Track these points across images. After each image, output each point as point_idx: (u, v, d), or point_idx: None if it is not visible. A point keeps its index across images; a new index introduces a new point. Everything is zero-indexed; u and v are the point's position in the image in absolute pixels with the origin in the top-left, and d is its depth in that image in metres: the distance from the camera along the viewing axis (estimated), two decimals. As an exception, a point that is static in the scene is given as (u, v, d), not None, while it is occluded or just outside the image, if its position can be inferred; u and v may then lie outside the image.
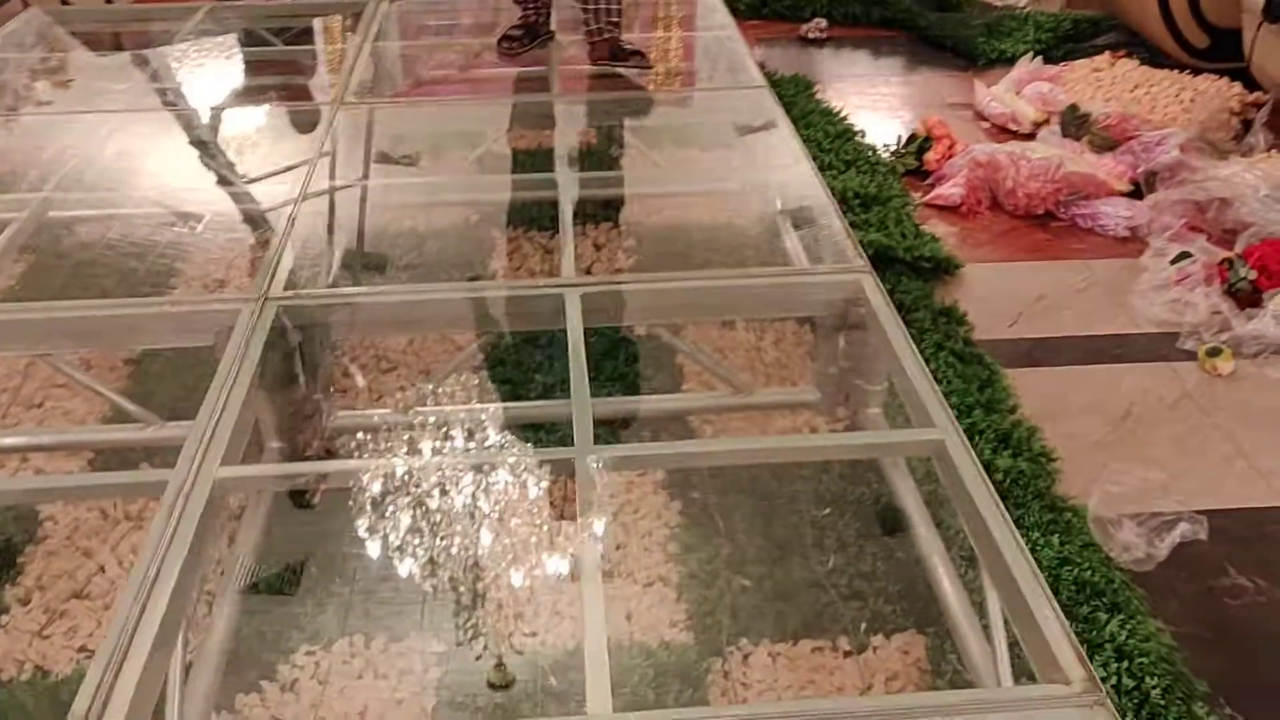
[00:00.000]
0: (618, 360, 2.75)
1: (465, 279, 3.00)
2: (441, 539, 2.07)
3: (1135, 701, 1.94)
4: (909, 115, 4.48)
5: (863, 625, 2.07)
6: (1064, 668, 1.47)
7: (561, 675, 1.96)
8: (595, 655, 1.50)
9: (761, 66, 4.60)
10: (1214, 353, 2.88)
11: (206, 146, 3.49)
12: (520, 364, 2.68)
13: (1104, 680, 1.95)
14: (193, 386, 2.47)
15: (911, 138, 4.03)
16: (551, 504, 1.98)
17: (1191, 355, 2.92)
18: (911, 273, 3.23)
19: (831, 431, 2.51)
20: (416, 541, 2.21)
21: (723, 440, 2.45)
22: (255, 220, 3.17)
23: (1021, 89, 4.40)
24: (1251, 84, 4.09)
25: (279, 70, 4.11)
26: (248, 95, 3.94)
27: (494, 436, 2.14)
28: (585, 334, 2.80)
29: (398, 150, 3.47)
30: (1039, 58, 4.71)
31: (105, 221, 3.23)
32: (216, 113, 3.69)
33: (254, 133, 3.60)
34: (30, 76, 3.94)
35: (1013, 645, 1.64)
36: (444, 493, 1.99)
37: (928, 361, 2.75)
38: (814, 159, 3.82)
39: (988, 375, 2.78)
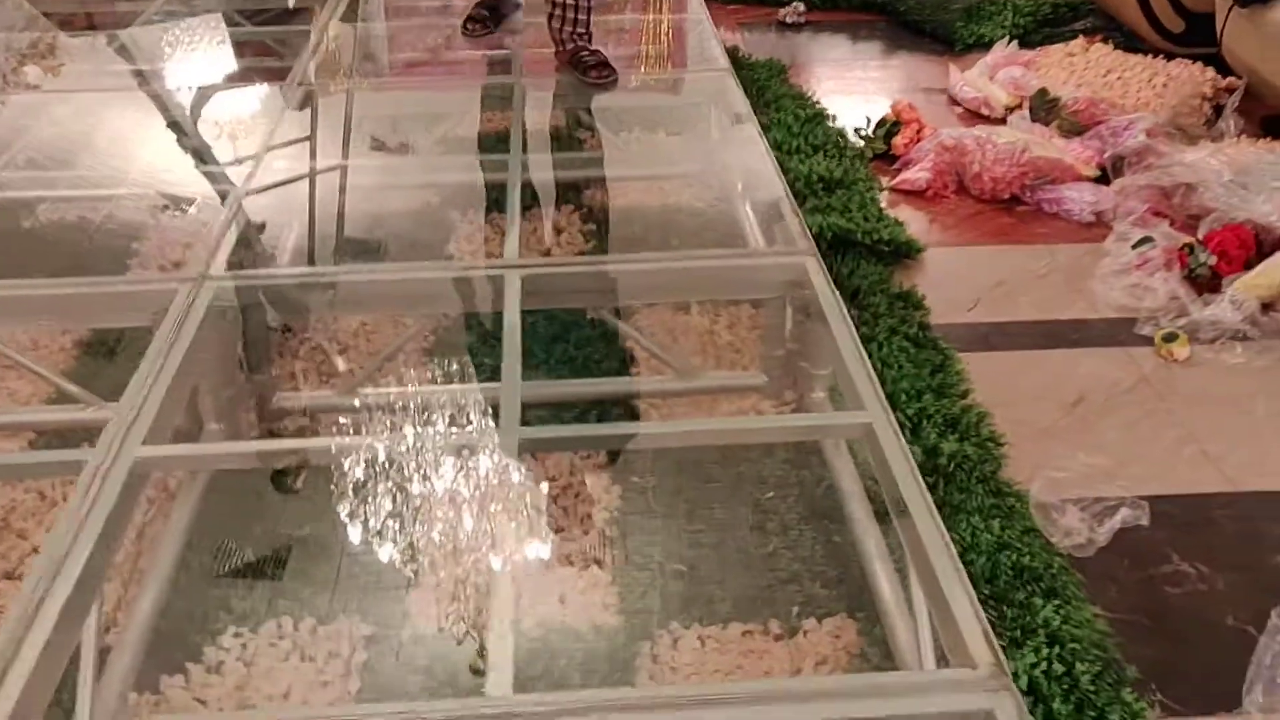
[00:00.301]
0: (568, 344, 2.73)
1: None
2: (372, 523, 2.06)
3: (1065, 687, 1.92)
4: (884, 100, 4.45)
5: (795, 609, 2.06)
6: (972, 652, 1.46)
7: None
8: (500, 637, 1.49)
9: (735, 51, 4.61)
10: (1170, 338, 2.86)
11: (169, 127, 3.48)
12: (464, 347, 2.67)
13: (1034, 666, 1.95)
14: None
15: (881, 122, 4.01)
16: (479, 487, 1.97)
17: (1149, 341, 2.91)
18: (871, 257, 3.21)
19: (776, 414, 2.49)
20: (349, 524, 2.20)
21: (646, 424, 2.42)
22: (211, 202, 3.15)
23: (995, 74, 4.38)
24: (1224, 69, 4.06)
25: (246, 51, 4.09)
26: (212, 76, 3.92)
27: (429, 419, 2.12)
28: (538, 317, 2.81)
29: (359, 132, 3.45)
30: (1015, 42, 4.68)
31: (62, 202, 3.22)
32: (179, 93, 3.67)
33: (217, 114, 3.58)
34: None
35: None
36: (375, 476, 1.98)
37: (880, 346, 2.76)
38: (782, 143, 3.84)
39: (941, 360, 2.76)
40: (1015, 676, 1.91)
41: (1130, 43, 4.51)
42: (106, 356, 2.78)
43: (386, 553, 2.11)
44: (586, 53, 3.50)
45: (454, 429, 2.03)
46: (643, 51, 3.95)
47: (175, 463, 2.05)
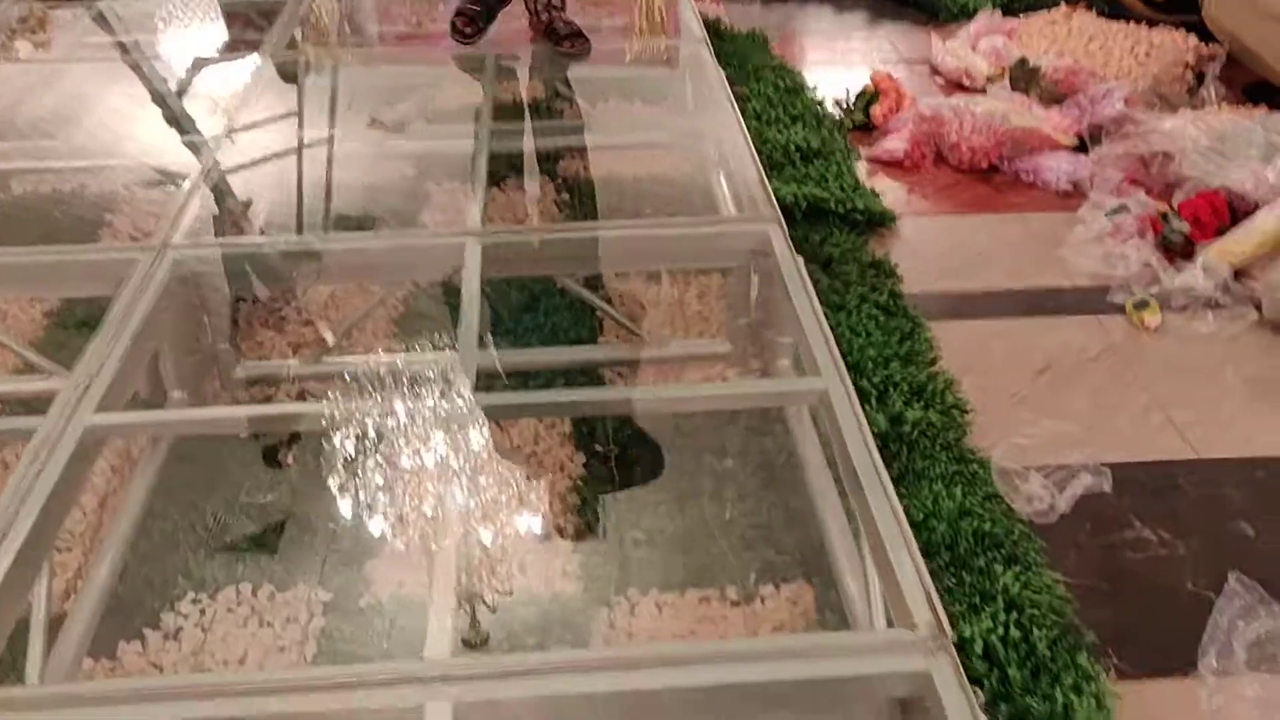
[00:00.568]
0: (536, 312, 2.73)
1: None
2: (330, 490, 2.06)
3: (1021, 653, 1.93)
4: (867, 70, 4.42)
5: (753, 575, 2.07)
6: (914, 615, 1.46)
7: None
8: (441, 602, 1.50)
9: (717, 23, 4.59)
10: (1141, 306, 2.85)
11: (148, 97, 3.47)
12: (429, 315, 2.66)
13: (990, 631, 1.95)
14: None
15: (861, 93, 3.99)
16: (436, 454, 1.96)
17: (1120, 309, 2.90)
18: (845, 226, 3.20)
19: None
20: (308, 492, 2.21)
21: (600, 389, 2.41)
22: (183, 172, 3.14)
23: (976, 43, 4.35)
24: (1206, 36, 4.04)
25: (226, 22, 4.06)
26: (192, 47, 3.89)
27: (388, 387, 2.12)
28: (508, 286, 2.80)
29: (334, 102, 3.44)
30: (998, 10, 4.65)
31: (32, 174, 3.21)
32: (157, 64, 3.65)
33: (193, 84, 3.56)
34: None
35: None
36: (333, 445, 1.98)
37: (850, 314, 2.76)
38: (761, 114, 3.82)
39: (910, 328, 2.75)
40: (971, 641, 1.93)
41: (1113, 10, 4.48)
42: (76, 327, 2.77)
43: (345, 520, 2.11)
44: (560, 23, 3.48)
45: (412, 397, 2.02)
46: (619, 22, 3.92)
47: (128, 430, 2.05)
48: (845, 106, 3.98)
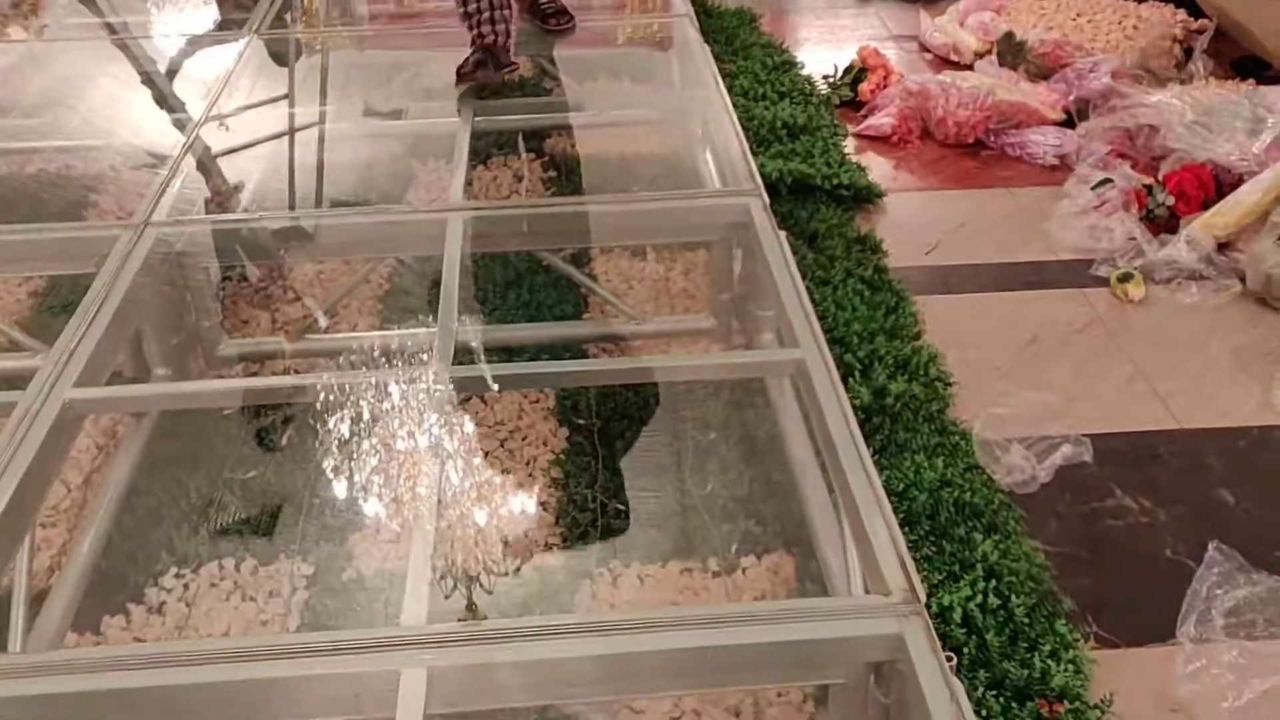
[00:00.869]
0: (522, 288, 2.73)
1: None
2: (314, 464, 2.07)
3: (1000, 620, 1.94)
4: (856, 47, 4.41)
5: (734, 547, 2.07)
6: (887, 580, 1.47)
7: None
8: (418, 570, 1.50)
9: (706, 0, 4.57)
10: (1125, 278, 2.86)
11: (135, 77, 3.46)
12: (412, 291, 2.67)
13: (969, 599, 1.96)
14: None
15: (848, 69, 3.99)
16: (421, 427, 1.97)
17: (1105, 282, 2.90)
18: (831, 202, 3.20)
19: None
20: (292, 467, 2.22)
21: (578, 362, 2.40)
22: (167, 151, 3.14)
23: (965, 19, 4.34)
24: (1195, 10, 4.03)
25: (218, 1, 4.04)
26: (181, 26, 3.88)
27: (369, 362, 2.12)
28: (492, 262, 2.80)
29: (323, 83, 3.43)
30: (988, -14, 4.64)
31: (17, 154, 3.21)
32: (145, 44, 3.64)
33: (180, 64, 3.55)
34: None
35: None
36: (316, 420, 1.98)
37: (835, 289, 2.76)
38: (749, 90, 3.82)
39: (895, 302, 2.76)
40: (950, 609, 1.94)
41: (1102, -15, 4.47)
42: (62, 307, 2.78)
43: (327, 493, 2.13)
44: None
45: (392, 371, 2.02)
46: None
47: (107, 405, 2.06)
48: (833, 83, 3.97)
